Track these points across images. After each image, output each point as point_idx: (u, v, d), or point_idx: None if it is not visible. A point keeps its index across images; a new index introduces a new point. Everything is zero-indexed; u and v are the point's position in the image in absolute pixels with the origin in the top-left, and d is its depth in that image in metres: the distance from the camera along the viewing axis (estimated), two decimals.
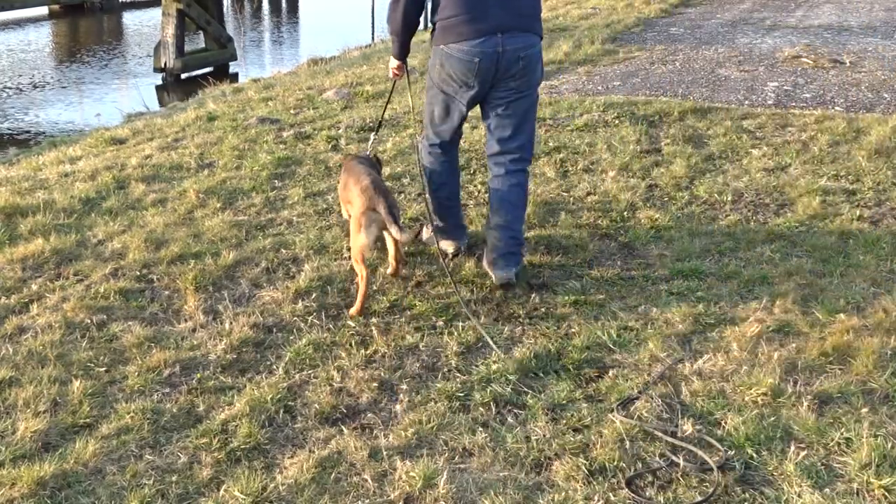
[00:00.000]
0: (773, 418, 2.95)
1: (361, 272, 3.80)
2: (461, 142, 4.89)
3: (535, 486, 2.69)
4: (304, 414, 3.11)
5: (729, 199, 4.95)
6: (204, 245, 4.48)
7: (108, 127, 7.91)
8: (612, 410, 3.04)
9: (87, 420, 3.08)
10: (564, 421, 3.00)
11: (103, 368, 3.42)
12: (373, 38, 15.53)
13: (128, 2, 24.65)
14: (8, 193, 5.27)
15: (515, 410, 3.09)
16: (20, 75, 15.80)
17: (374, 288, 4.00)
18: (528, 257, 4.24)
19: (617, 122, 6.35)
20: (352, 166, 4.15)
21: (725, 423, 2.95)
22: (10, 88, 14.70)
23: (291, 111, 7.25)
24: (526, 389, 3.20)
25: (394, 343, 3.54)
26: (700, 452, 2.79)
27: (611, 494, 2.64)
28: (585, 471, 2.73)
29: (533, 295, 3.92)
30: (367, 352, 3.48)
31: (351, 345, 3.54)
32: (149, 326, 3.73)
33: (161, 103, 12.37)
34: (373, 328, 3.65)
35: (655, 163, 5.54)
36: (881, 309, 3.63)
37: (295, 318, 3.76)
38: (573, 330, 3.61)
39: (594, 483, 2.69)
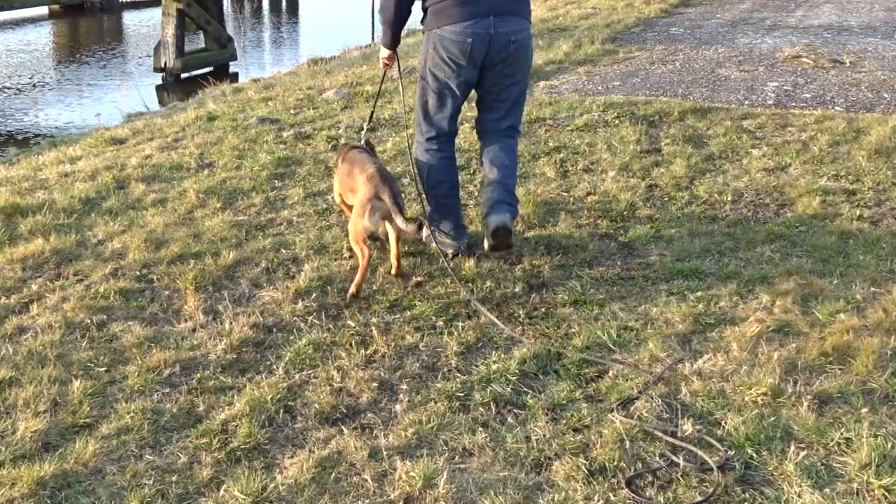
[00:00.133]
0: (773, 418, 2.95)
1: (362, 251, 3.90)
2: (461, 142, 4.91)
3: (535, 486, 2.69)
4: (304, 414, 3.11)
5: (729, 199, 4.95)
6: (204, 245, 4.48)
7: (108, 127, 7.92)
8: (612, 410, 3.04)
9: (87, 420, 3.08)
10: (564, 421, 3.00)
11: (103, 368, 3.42)
12: (373, 38, 15.52)
13: (128, 2, 24.66)
14: (8, 193, 5.27)
15: (515, 410, 3.09)
16: (20, 75, 15.80)
17: (374, 288, 4.00)
18: (528, 257, 4.24)
19: (617, 122, 6.35)
20: (354, 155, 4.24)
21: (725, 423, 2.95)
22: (10, 88, 14.70)
23: (291, 111, 7.25)
24: (526, 389, 3.20)
25: (394, 343, 3.54)
26: (700, 452, 2.79)
27: (611, 494, 2.64)
28: (585, 471, 2.73)
29: (533, 295, 3.92)
30: (367, 352, 3.48)
31: (351, 345, 3.54)
32: (149, 326, 3.73)
33: (161, 103, 12.37)
34: (373, 328, 3.65)
35: (655, 163, 5.54)
36: (881, 309, 3.62)
37: (295, 318, 3.76)
38: (573, 330, 3.61)
39: (594, 483, 2.69)
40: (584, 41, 9.51)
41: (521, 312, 3.77)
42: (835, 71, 7.94)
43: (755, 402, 3.06)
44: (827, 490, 2.61)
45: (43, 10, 22.22)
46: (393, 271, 4.09)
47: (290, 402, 3.17)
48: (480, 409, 3.10)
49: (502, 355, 3.42)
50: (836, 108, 6.70)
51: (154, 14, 19.65)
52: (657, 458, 2.80)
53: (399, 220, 3.81)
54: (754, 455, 2.78)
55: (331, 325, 3.70)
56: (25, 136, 11.50)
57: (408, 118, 6.08)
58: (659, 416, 3.01)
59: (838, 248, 4.27)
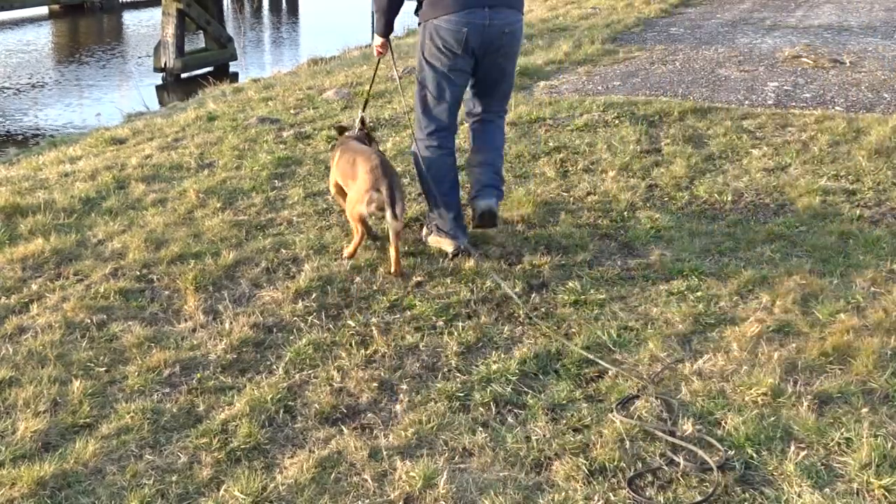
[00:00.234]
0: (773, 418, 2.95)
1: (357, 228, 4.18)
2: (461, 142, 4.91)
3: (535, 486, 2.69)
4: (304, 414, 3.11)
5: (729, 199, 4.95)
6: (204, 245, 4.48)
7: (108, 127, 7.91)
8: (612, 410, 3.04)
9: (87, 420, 3.08)
10: (564, 421, 3.01)
11: (103, 368, 3.42)
12: (372, 37, 15.52)
13: (128, 2, 24.66)
14: (8, 193, 5.27)
15: (515, 410, 3.09)
16: (20, 75, 15.80)
17: (375, 288, 4.01)
18: (528, 257, 4.24)
19: (617, 122, 6.35)
20: (355, 146, 4.40)
21: (725, 423, 2.95)
22: (10, 88, 14.70)
23: (291, 111, 7.25)
24: (526, 389, 3.20)
25: (394, 343, 3.54)
26: (700, 452, 2.79)
27: (611, 494, 2.64)
28: (585, 471, 2.73)
29: (533, 295, 3.92)
30: (367, 352, 3.49)
31: (351, 345, 3.54)
32: (149, 326, 3.73)
33: (161, 103, 12.37)
34: (373, 328, 3.65)
35: (655, 163, 5.54)
36: (881, 309, 3.62)
37: (295, 318, 3.76)
38: (573, 330, 3.61)
39: (594, 483, 2.69)
40: (584, 41, 9.51)
41: (521, 312, 3.77)
42: (835, 71, 7.93)
43: (755, 402, 3.06)
44: (827, 490, 2.61)
45: (43, 10, 22.22)
46: (392, 269, 4.09)
47: (290, 402, 3.17)
48: (480, 409, 3.10)
49: (502, 355, 3.42)
50: (836, 108, 6.70)
51: (154, 14, 19.65)
52: (657, 458, 2.80)
53: (388, 213, 3.97)
54: (754, 455, 2.78)
55: (331, 325, 3.70)
56: (25, 136, 11.50)
57: (408, 118, 6.08)
58: (659, 416, 3.01)
59: (838, 248, 4.27)
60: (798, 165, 5.42)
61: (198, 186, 5.29)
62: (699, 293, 3.87)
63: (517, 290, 3.95)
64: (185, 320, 3.79)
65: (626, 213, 4.78)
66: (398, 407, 3.14)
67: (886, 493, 2.59)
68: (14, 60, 17.30)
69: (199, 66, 15.61)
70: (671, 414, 3.02)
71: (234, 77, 14.69)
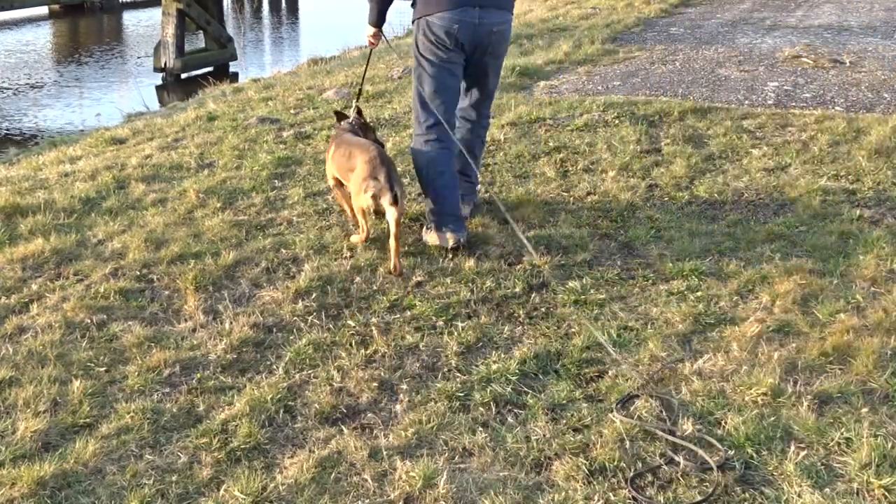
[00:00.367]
0: (773, 418, 2.95)
1: (363, 225, 4.34)
2: None
3: (535, 486, 2.70)
4: (304, 414, 3.11)
5: (729, 199, 4.95)
6: (204, 245, 4.48)
7: (108, 127, 7.91)
8: (612, 410, 3.04)
9: (87, 420, 3.08)
10: (564, 421, 3.01)
11: (103, 368, 3.42)
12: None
13: (128, 2, 24.65)
14: (8, 193, 5.27)
15: (515, 410, 3.09)
16: (20, 75, 15.80)
17: (375, 288, 4.01)
18: (528, 257, 4.24)
19: (617, 122, 6.35)
20: (349, 139, 4.51)
21: (725, 422, 2.95)
22: (10, 88, 14.70)
23: (291, 111, 7.25)
24: (526, 389, 3.20)
25: (394, 343, 3.54)
26: (700, 451, 2.79)
27: (611, 494, 2.64)
28: (585, 471, 2.73)
29: (533, 295, 3.92)
30: (367, 352, 3.49)
31: (351, 345, 3.54)
32: (149, 326, 3.73)
33: (161, 103, 12.36)
34: (373, 328, 3.66)
35: (655, 163, 5.54)
36: (881, 309, 3.63)
37: (295, 318, 3.76)
38: (573, 330, 3.61)
39: (594, 483, 2.69)
40: (584, 41, 9.51)
41: (521, 312, 3.77)
42: (835, 71, 7.93)
43: (755, 402, 3.06)
44: (827, 490, 2.61)
45: (43, 10, 22.21)
46: (391, 266, 4.10)
47: (290, 402, 3.17)
48: (480, 408, 3.10)
49: (502, 355, 3.42)
50: (836, 108, 6.70)
51: (154, 14, 19.65)
52: (658, 458, 2.80)
53: (388, 196, 4.06)
54: (754, 455, 2.79)
55: (331, 325, 3.70)
56: (25, 136, 11.50)
57: (408, 118, 6.09)
58: (659, 416, 3.01)
59: (838, 248, 4.27)
60: (798, 165, 5.42)
61: (198, 186, 5.29)
62: (699, 293, 3.87)
63: (517, 289, 3.95)
64: (185, 320, 3.79)
65: (626, 213, 4.78)
66: (398, 407, 3.14)
67: (886, 493, 2.59)
68: (14, 60, 17.29)
69: (199, 66, 15.60)
70: (671, 413, 3.02)
71: (234, 77, 14.69)
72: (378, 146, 4.41)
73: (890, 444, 2.77)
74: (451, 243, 4.29)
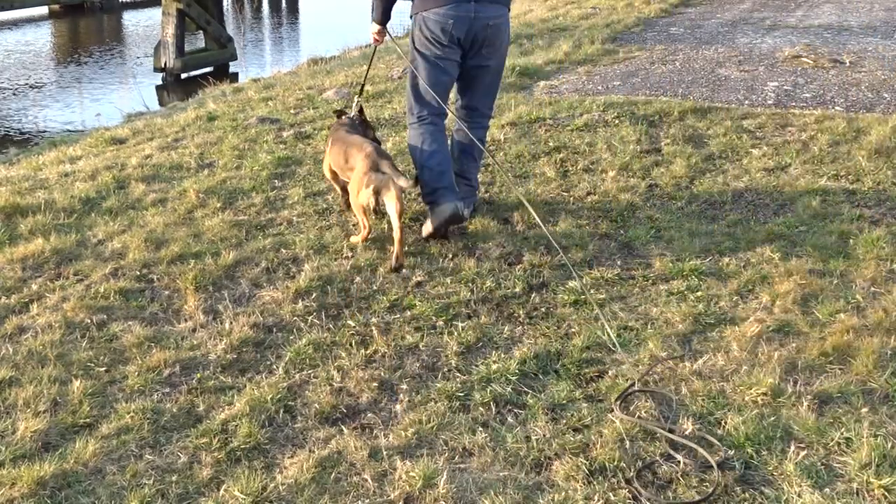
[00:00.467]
0: (773, 418, 2.95)
1: (364, 223, 4.34)
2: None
3: (535, 486, 2.70)
4: (304, 414, 3.11)
5: (729, 199, 4.95)
6: (204, 245, 4.48)
7: (108, 127, 7.91)
8: (612, 410, 3.04)
9: (87, 420, 3.08)
10: (564, 421, 3.01)
11: (103, 368, 3.42)
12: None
13: (128, 2, 24.65)
14: (8, 193, 5.27)
15: (515, 410, 3.09)
16: (20, 75, 15.80)
17: (375, 288, 4.01)
18: (527, 257, 4.25)
19: (617, 122, 6.35)
20: (344, 135, 4.60)
21: (725, 422, 2.95)
22: (9, 88, 14.70)
23: (291, 111, 7.25)
24: (526, 389, 3.20)
25: (394, 343, 3.54)
26: (700, 449, 2.79)
27: (611, 494, 2.64)
28: (585, 471, 2.73)
29: (533, 295, 3.92)
30: (367, 352, 3.49)
31: (351, 345, 3.54)
32: (149, 326, 3.73)
33: (161, 103, 12.36)
34: (373, 328, 3.66)
35: (655, 163, 5.54)
36: (881, 309, 3.63)
37: (295, 318, 3.76)
38: (573, 330, 3.61)
39: (594, 483, 2.69)
40: (584, 41, 9.51)
41: (521, 312, 3.77)
42: (835, 71, 7.93)
43: (755, 401, 3.06)
44: (827, 490, 2.61)
45: (43, 10, 22.21)
46: (394, 256, 4.14)
47: (290, 402, 3.17)
48: (480, 408, 3.10)
49: (502, 355, 3.42)
50: (836, 107, 6.70)
51: (154, 14, 19.64)
52: (658, 457, 2.80)
53: (402, 181, 4.14)
54: (754, 455, 2.79)
55: (331, 325, 3.70)
56: (25, 136, 11.49)
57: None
58: (659, 415, 3.01)
59: (838, 248, 4.27)
60: (798, 165, 5.42)
61: (198, 186, 5.29)
62: (699, 293, 3.87)
63: (517, 289, 3.95)
64: (185, 320, 3.79)
65: (626, 213, 4.78)
66: (398, 407, 3.14)
67: (886, 493, 2.59)
68: (14, 60, 17.29)
69: (199, 66, 15.60)
70: (671, 411, 3.02)
71: (234, 77, 14.68)
72: (373, 143, 4.48)
73: (890, 444, 2.77)
74: (448, 212, 4.28)
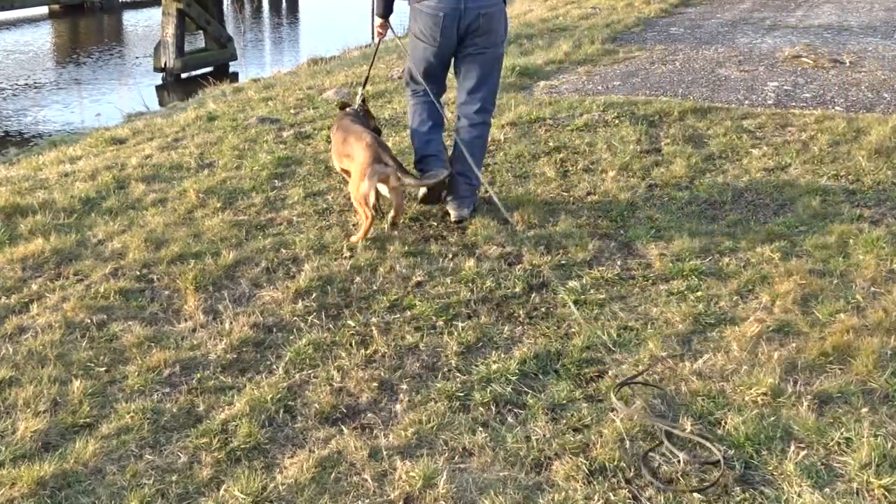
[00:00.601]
0: (773, 418, 2.95)
1: (366, 213, 4.37)
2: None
3: (535, 486, 2.70)
4: (304, 414, 3.11)
5: (729, 199, 4.95)
6: (204, 245, 4.48)
7: (108, 127, 7.90)
8: (613, 411, 3.04)
9: (87, 420, 3.08)
10: (564, 421, 3.01)
11: (103, 368, 3.42)
12: (372, 37, 15.52)
13: (128, 2, 24.65)
14: (8, 193, 5.27)
15: (515, 410, 3.09)
16: (20, 75, 15.79)
17: (375, 288, 4.01)
18: (528, 257, 4.25)
19: (617, 121, 6.35)
20: (348, 124, 4.71)
21: (725, 422, 2.95)
22: (9, 88, 14.70)
23: (291, 111, 7.25)
24: (526, 389, 3.20)
25: (394, 343, 3.54)
26: (705, 442, 2.79)
27: (611, 494, 2.64)
28: (585, 471, 2.73)
29: (533, 295, 3.92)
30: (367, 352, 3.49)
31: (351, 345, 3.54)
32: (149, 326, 3.73)
33: (161, 103, 12.36)
34: (373, 328, 3.66)
35: (655, 163, 5.54)
36: (881, 309, 3.63)
37: (295, 318, 3.76)
38: (573, 330, 3.61)
39: (594, 483, 2.69)
40: (584, 41, 9.51)
41: (521, 312, 3.77)
42: (835, 71, 7.93)
43: (755, 401, 3.06)
44: (827, 490, 2.61)
45: (43, 10, 22.21)
46: (390, 219, 4.48)
47: (290, 402, 3.17)
48: (480, 408, 3.10)
49: (502, 355, 3.42)
50: (836, 107, 6.70)
51: (154, 14, 19.64)
52: (659, 454, 2.80)
53: (407, 178, 4.34)
54: (754, 455, 2.79)
55: (331, 325, 3.70)
56: (25, 136, 11.49)
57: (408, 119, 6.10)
58: (659, 413, 3.01)
59: (838, 248, 4.27)
60: (798, 165, 5.42)
61: (198, 186, 5.29)
62: (699, 293, 3.87)
63: (517, 289, 3.95)
64: (185, 320, 3.79)
65: (626, 213, 4.78)
66: (398, 407, 3.14)
67: (886, 493, 2.59)
68: (14, 60, 17.29)
69: (199, 66, 15.61)
70: (671, 409, 3.02)
71: (234, 77, 14.69)
72: (374, 134, 4.60)
73: (890, 444, 2.77)
74: (435, 177, 4.50)
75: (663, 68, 8.30)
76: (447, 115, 5.18)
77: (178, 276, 4.13)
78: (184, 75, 15.27)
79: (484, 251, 4.34)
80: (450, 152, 4.85)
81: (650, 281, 4.02)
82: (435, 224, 4.70)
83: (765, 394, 3.07)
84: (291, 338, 3.61)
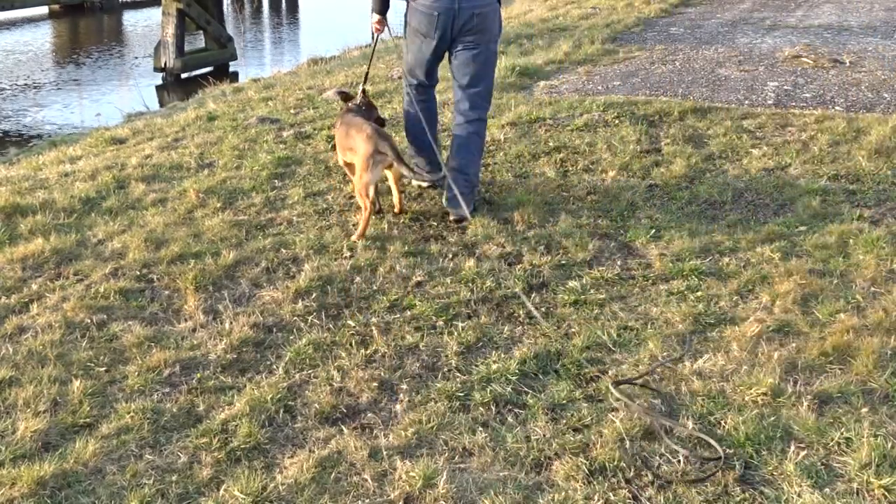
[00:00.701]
0: (773, 418, 2.95)
1: (366, 204, 4.43)
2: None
3: (535, 486, 2.70)
4: (304, 414, 3.11)
5: (729, 199, 4.95)
6: (204, 245, 4.48)
7: (108, 127, 7.90)
8: (613, 411, 3.04)
9: (87, 420, 3.08)
10: (564, 421, 3.01)
11: (103, 368, 3.42)
12: (372, 36, 15.53)
13: (128, 2, 24.64)
14: (8, 193, 5.27)
15: (515, 410, 3.09)
16: (20, 75, 15.79)
17: (375, 288, 4.01)
18: (528, 257, 4.25)
19: (617, 121, 6.35)
20: (350, 118, 4.78)
21: (725, 422, 2.95)
22: (10, 88, 14.70)
23: (291, 111, 7.25)
24: (526, 389, 3.20)
25: (394, 343, 3.54)
26: (708, 438, 2.79)
27: (611, 494, 2.64)
28: (585, 471, 2.73)
29: (533, 295, 3.92)
30: (367, 352, 3.49)
31: (351, 345, 3.54)
32: (149, 326, 3.73)
33: (161, 103, 12.36)
34: (373, 328, 3.66)
35: (655, 163, 5.54)
36: (881, 309, 3.63)
37: (295, 318, 3.76)
38: (573, 330, 3.61)
39: (594, 483, 2.69)
40: (584, 41, 9.51)
41: (521, 312, 3.77)
42: (835, 71, 7.93)
43: (755, 401, 3.06)
44: (827, 490, 2.61)
45: (43, 10, 22.19)
46: (396, 209, 4.70)
47: (290, 402, 3.17)
48: (480, 408, 3.10)
49: (502, 355, 3.42)
50: (836, 107, 6.70)
51: (154, 14, 19.63)
52: (657, 458, 2.80)
53: (404, 169, 4.43)
54: (754, 455, 2.79)
55: (331, 325, 3.70)
56: (25, 137, 11.49)
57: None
58: (658, 413, 3.01)
59: (838, 248, 4.27)
60: (798, 165, 5.42)
61: (198, 186, 5.29)
62: (699, 293, 3.87)
63: (517, 290, 3.95)
64: (185, 320, 3.79)
65: (626, 213, 4.78)
66: (398, 407, 3.14)
67: (886, 493, 2.59)
68: (14, 60, 17.29)
69: (199, 66, 15.59)
70: (671, 408, 3.02)
71: (234, 77, 14.68)
72: (375, 125, 4.66)
73: (890, 444, 2.77)
74: (425, 184, 4.84)
75: (663, 68, 8.30)
76: (447, 116, 5.19)
77: (178, 276, 4.13)
78: (184, 75, 15.26)
79: (484, 251, 4.34)
80: (450, 152, 4.86)
81: (650, 281, 4.02)
82: (435, 224, 4.70)
83: (765, 394, 3.08)
84: (291, 338, 3.61)
